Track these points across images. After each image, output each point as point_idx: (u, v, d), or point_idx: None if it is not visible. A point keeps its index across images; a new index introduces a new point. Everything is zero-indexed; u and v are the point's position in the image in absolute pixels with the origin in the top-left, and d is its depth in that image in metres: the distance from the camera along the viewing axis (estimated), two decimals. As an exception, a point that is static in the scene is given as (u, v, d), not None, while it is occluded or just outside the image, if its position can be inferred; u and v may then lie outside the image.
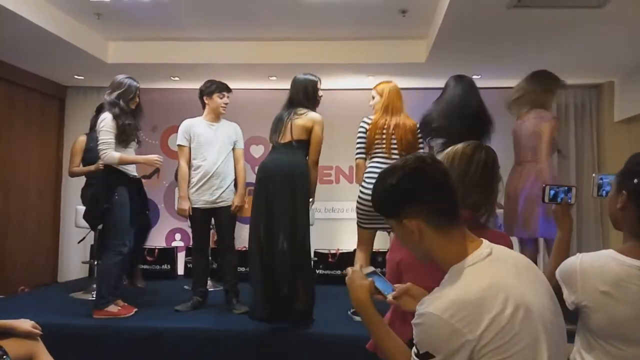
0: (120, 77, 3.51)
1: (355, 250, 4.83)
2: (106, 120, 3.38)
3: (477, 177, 1.59)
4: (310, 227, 3.26)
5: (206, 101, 3.70)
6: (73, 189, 5.41)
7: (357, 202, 3.28)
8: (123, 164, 3.41)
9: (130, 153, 3.48)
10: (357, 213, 3.31)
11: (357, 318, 3.34)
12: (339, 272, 4.78)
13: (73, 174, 4.29)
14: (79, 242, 4.53)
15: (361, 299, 1.40)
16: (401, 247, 1.64)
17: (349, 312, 3.44)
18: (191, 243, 4.14)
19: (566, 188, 1.80)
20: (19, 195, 4.97)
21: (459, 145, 1.70)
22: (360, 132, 3.36)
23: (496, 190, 1.67)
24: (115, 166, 3.40)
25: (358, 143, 3.36)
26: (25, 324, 1.84)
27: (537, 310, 1.14)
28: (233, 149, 3.76)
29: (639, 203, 1.31)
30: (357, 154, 3.37)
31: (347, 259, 4.85)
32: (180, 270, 5.12)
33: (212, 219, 3.75)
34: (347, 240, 4.93)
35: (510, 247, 1.64)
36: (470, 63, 4.45)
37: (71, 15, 4.04)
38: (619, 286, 1.26)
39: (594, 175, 1.82)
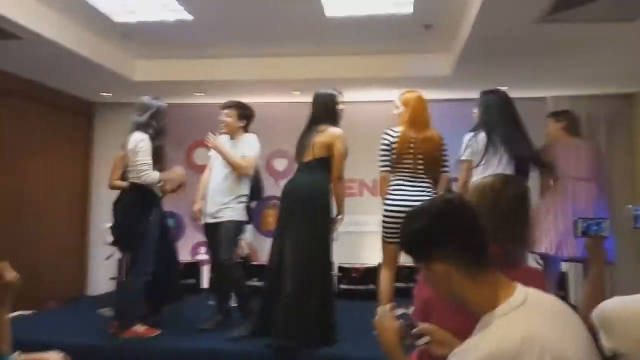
0: (147, 98, 3.55)
1: (379, 265, 4.84)
2: (145, 142, 3.40)
3: (507, 212, 1.55)
4: (334, 242, 3.29)
5: None
6: (102, 204, 5.51)
7: (384, 215, 3.21)
8: (162, 181, 3.46)
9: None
10: (383, 227, 3.24)
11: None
12: (362, 287, 4.74)
13: (113, 187, 4.28)
14: (106, 259, 4.60)
15: (389, 343, 1.37)
16: (427, 287, 1.60)
17: (374, 332, 3.39)
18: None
19: (599, 220, 1.73)
20: (49, 210, 5.07)
21: (489, 178, 1.66)
22: (384, 143, 3.26)
23: (529, 225, 1.61)
24: (149, 187, 3.44)
25: (382, 156, 3.27)
26: (56, 356, 1.86)
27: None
28: None
29: None
30: (382, 166, 3.28)
31: (371, 274, 4.81)
32: (205, 284, 5.15)
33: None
34: (370, 254, 4.88)
35: (544, 285, 1.59)
36: (497, 76, 4.37)
37: (99, 36, 4.12)
38: None
39: (629, 206, 1.75)
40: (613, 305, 1.31)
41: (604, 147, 5.03)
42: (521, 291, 1.19)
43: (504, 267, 1.27)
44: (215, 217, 3.58)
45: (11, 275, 1.71)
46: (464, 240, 1.19)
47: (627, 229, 1.84)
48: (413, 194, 3.20)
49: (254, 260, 5.14)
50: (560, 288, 3.81)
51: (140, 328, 3.38)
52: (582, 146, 3.53)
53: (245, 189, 3.67)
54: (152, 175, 3.38)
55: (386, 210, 3.22)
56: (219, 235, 3.57)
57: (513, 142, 3.15)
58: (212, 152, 3.70)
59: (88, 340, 3.32)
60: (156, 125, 3.45)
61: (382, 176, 3.30)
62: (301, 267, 3.09)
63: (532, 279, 1.56)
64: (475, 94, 4.03)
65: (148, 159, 3.37)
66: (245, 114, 3.76)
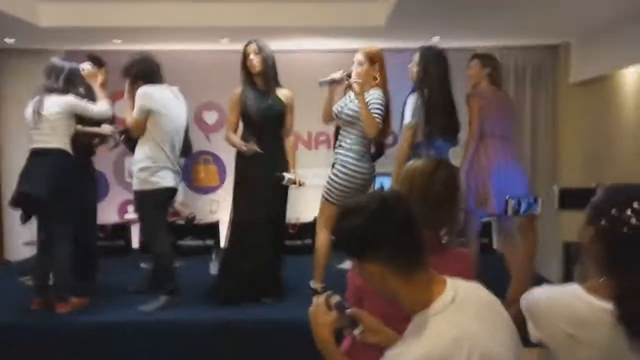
0: (55, 60, 3.40)
1: (315, 219, 4.85)
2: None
3: (439, 196, 1.54)
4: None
5: None
6: (12, 163, 5.06)
7: (349, 176, 3.18)
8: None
9: None
10: (340, 187, 3.18)
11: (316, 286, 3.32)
12: (299, 242, 4.76)
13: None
14: (23, 224, 4.26)
15: (324, 339, 1.33)
16: (358, 276, 1.57)
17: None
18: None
19: (532, 199, 1.75)
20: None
21: (419, 163, 1.64)
22: (380, 108, 3.17)
23: (459, 207, 1.61)
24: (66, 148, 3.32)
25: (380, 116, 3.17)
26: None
27: (499, 358, 1.14)
28: None
29: (605, 245, 1.23)
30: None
31: (307, 229, 4.82)
32: (135, 245, 4.95)
33: None
34: (306, 209, 4.88)
35: (472, 266, 1.62)
36: (430, 26, 4.31)
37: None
38: (585, 329, 1.22)
39: (554, 187, 1.76)
40: (542, 297, 1.31)
41: (529, 100, 5.21)
42: (451, 286, 1.20)
43: (433, 252, 1.27)
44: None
45: None
46: (399, 242, 1.17)
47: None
48: (371, 161, 3.36)
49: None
50: (483, 235, 3.97)
51: (74, 299, 3.23)
52: (505, 101, 3.58)
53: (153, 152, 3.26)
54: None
55: (348, 175, 3.18)
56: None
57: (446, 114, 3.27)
58: None
59: (13, 318, 3.13)
60: (74, 90, 3.21)
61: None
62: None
63: (459, 262, 1.59)
64: (408, 44, 3.98)
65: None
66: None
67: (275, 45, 3.62)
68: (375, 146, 3.83)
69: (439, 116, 3.22)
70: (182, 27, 4.33)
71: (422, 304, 1.17)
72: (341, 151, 3.29)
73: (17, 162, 4.91)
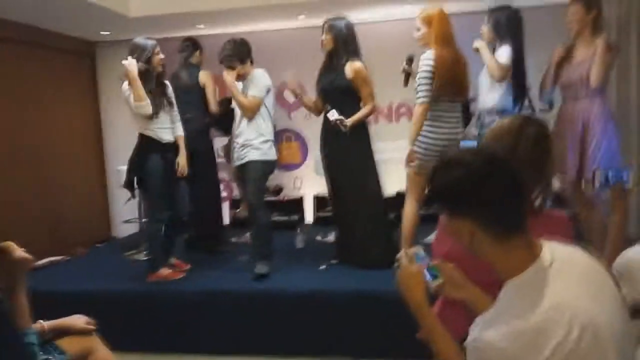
0: (135, 40, 3.41)
1: (397, 194, 4.78)
2: (123, 90, 3.35)
3: (527, 154, 1.43)
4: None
5: None
6: (116, 146, 5.49)
7: (424, 148, 3.10)
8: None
9: (163, 121, 3.40)
10: (421, 160, 3.10)
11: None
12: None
13: None
14: (125, 203, 4.62)
15: (418, 301, 1.32)
16: (447, 238, 1.53)
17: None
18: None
19: (622, 171, 1.59)
20: (63, 156, 5.07)
21: (506, 120, 1.54)
22: (427, 70, 3.01)
23: (550, 167, 1.49)
24: (145, 132, 3.36)
25: (425, 84, 3.02)
26: (79, 321, 1.88)
27: (606, 327, 1.03)
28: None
29: None
30: (425, 96, 3.03)
31: (390, 203, 4.72)
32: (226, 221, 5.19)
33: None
34: (388, 183, 4.79)
35: (569, 229, 1.51)
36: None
37: (86, -28, 3.85)
38: None
39: (594, 169, 1.62)
40: (634, 255, 1.24)
41: (635, 49, 4.66)
42: (548, 250, 1.11)
43: (527, 215, 1.18)
44: (241, 159, 3.51)
45: (18, 253, 1.68)
46: (499, 205, 1.09)
47: None
48: (454, 125, 3.17)
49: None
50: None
51: (164, 271, 3.46)
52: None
53: (266, 127, 3.51)
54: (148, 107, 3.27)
55: (428, 144, 3.09)
56: (246, 178, 3.54)
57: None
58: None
59: (115, 285, 3.43)
60: (141, 66, 3.28)
61: (424, 107, 3.05)
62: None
63: (556, 226, 1.48)
64: (483, 4, 3.73)
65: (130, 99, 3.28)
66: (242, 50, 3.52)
67: (352, 17, 3.58)
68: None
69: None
70: (260, 6, 4.37)
71: (516, 268, 1.10)
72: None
73: (118, 147, 5.38)
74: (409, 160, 3.15)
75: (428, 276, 1.36)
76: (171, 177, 3.43)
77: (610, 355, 1.02)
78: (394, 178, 4.76)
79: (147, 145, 3.37)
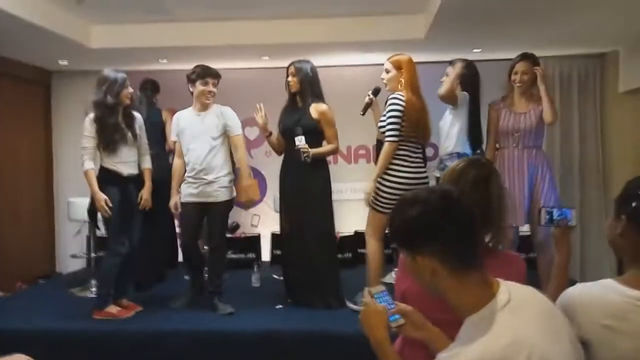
0: (106, 71, 3.36)
1: (355, 233, 4.82)
2: (84, 125, 3.32)
3: (468, 196, 1.48)
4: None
5: (191, 89, 3.49)
6: (66, 178, 5.30)
7: (388, 186, 3.14)
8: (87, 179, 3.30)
9: (125, 155, 3.36)
10: (385, 198, 3.15)
11: (356, 307, 3.31)
12: (339, 255, 4.73)
13: None
14: (75, 235, 4.45)
15: (380, 339, 1.33)
16: (407, 276, 1.56)
17: (348, 304, 3.41)
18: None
19: (565, 210, 1.70)
20: (10, 186, 4.84)
21: (456, 162, 1.62)
22: (398, 110, 3.14)
23: (497, 210, 1.54)
24: (104, 165, 3.34)
25: (396, 123, 3.13)
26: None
27: None
28: (229, 137, 3.53)
29: (639, 228, 1.24)
30: (395, 135, 3.14)
31: (348, 242, 4.81)
32: (181, 258, 5.05)
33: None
34: (346, 222, 4.86)
35: (523, 270, 1.57)
36: (471, 38, 4.27)
37: (50, 2, 3.80)
38: (622, 319, 1.20)
39: (539, 208, 1.77)
40: (574, 293, 1.30)
41: (575, 108, 5.05)
42: (505, 289, 1.16)
43: (482, 253, 1.22)
44: (205, 198, 3.43)
45: None
46: (456, 239, 1.13)
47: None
48: (419, 166, 3.27)
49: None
50: (529, 250, 3.87)
51: (113, 309, 3.31)
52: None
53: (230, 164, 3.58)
54: (84, 165, 3.28)
55: (396, 182, 3.15)
56: (210, 218, 3.50)
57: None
58: (184, 134, 3.49)
59: (58, 324, 3.24)
60: (111, 100, 3.25)
61: (394, 145, 3.15)
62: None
63: (510, 266, 1.54)
64: (448, 57, 3.95)
65: (84, 143, 3.29)
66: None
67: (314, 61, 3.69)
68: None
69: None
70: (225, 45, 4.44)
71: (474, 306, 1.13)
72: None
73: (69, 178, 5.20)
74: (366, 198, 3.21)
75: (390, 316, 1.38)
76: (130, 211, 3.35)
77: None
78: (351, 217, 4.83)
79: (105, 178, 3.32)
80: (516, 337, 1.06)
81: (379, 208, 3.20)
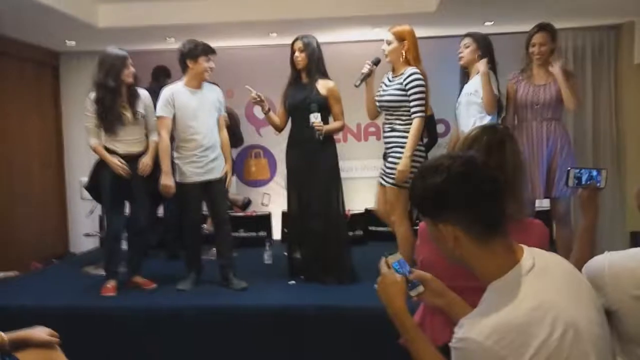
0: (108, 49, 3.36)
1: (365, 210, 4.81)
2: (85, 104, 3.36)
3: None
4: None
5: (190, 65, 3.37)
6: (77, 159, 5.31)
7: (422, 158, 3.17)
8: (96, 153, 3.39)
9: (125, 133, 3.36)
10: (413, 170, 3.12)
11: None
12: (350, 233, 4.73)
13: None
14: (87, 215, 4.48)
15: (397, 310, 1.31)
16: (424, 243, 1.55)
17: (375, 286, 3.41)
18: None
19: (594, 171, 1.66)
20: (22, 168, 4.87)
21: (469, 130, 1.62)
22: (422, 84, 3.10)
23: (510, 172, 1.51)
24: (105, 144, 3.37)
25: (422, 99, 3.09)
26: (41, 332, 1.78)
27: (585, 328, 1.06)
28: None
29: None
30: (422, 111, 3.12)
31: (358, 219, 4.80)
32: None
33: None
34: (356, 200, 4.85)
35: (545, 236, 1.55)
36: (483, 9, 4.18)
37: (55, -21, 3.77)
38: None
39: (568, 168, 1.70)
40: (604, 262, 1.28)
41: (589, 81, 4.96)
42: (529, 255, 1.14)
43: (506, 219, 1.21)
44: (208, 176, 3.42)
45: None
46: (479, 207, 1.11)
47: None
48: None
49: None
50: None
51: (108, 285, 3.37)
52: None
53: None
54: (90, 142, 3.38)
55: (421, 157, 3.17)
56: (216, 193, 3.48)
57: None
58: (186, 111, 3.39)
59: (73, 301, 3.28)
60: (112, 83, 3.25)
61: (423, 121, 3.14)
62: None
63: (533, 233, 1.52)
64: (460, 31, 3.87)
65: (87, 124, 3.38)
66: None
67: (323, 37, 3.64)
68: (427, 133, 3.82)
69: None
70: (232, 22, 4.39)
71: (498, 272, 1.12)
72: (395, 134, 3.19)
73: (79, 158, 5.22)
74: (402, 178, 3.06)
75: (409, 284, 1.37)
76: (127, 190, 3.37)
77: (590, 356, 1.05)
78: (362, 195, 4.82)
79: (100, 160, 3.37)
80: (541, 301, 1.05)
81: (408, 185, 3.16)
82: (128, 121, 3.35)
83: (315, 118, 3.31)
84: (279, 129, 3.68)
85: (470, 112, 3.32)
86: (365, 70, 3.25)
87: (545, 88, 3.30)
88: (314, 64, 3.42)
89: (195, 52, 3.35)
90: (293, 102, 3.48)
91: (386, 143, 3.30)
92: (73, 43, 4.99)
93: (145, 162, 3.40)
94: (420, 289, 1.37)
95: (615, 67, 4.94)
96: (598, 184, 1.65)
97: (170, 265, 4.12)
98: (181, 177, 3.41)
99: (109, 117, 3.28)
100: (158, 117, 3.40)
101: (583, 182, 1.66)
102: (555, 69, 3.23)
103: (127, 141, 3.38)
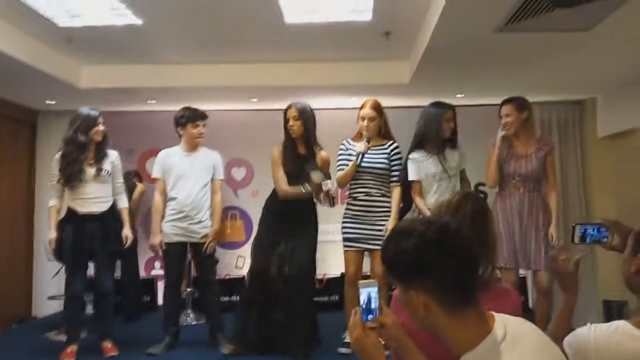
0: (79, 110, 3.46)
1: (341, 275, 4.75)
2: (52, 163, 3.43)
3: (466, 230, 1.48)
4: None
5: (180, 132, 3.57)
6: (46, 220, 5.16)
7: None
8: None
9: (86, 192, 3.34)
10: None
11: (345, 350, 3.22)
12: (326, 298, 4.65)
13: None
14: (52, 277, 4.31)
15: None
16: (402, 310, 1.52)
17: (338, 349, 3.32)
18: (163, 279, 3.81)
19: (598, 225, 1.57)
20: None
21: (448, 196, 1.61)
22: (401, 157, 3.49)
23: (492, 242, 1.55)
24: (67, 203, 3.40)
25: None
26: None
27: None
28: (212, 180, 3.58)
29: None
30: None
31: (334, 284, 4.73)
32: (161, 301, 4.91)
33: (189, 254, 3.62)
34: (334, 264, 4.80)
35: (518, 303, 1.54)
36: (454, 84, 4.40)
37: (41, 41, 3.84)
38: None
39: (573, 224, 1.64)
40: (589, 337, 1.25)
41: (557, 153, 5.14)
42: (500, 324, 1.12)
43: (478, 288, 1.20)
44: (192, 237, 3.45)
45: None
46: (453, 276, 1.08)
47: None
48: None
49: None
50: (520, 294, 3.83)
51: (69, 350, 3.26)
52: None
53: None
54: (49, 201, 3.44)
55: None
56: (201, 256, 3.49)
57: None
58: (174, 172, 3.49)
59: None
60: (82, 138, 3.32)
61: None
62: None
63: (506, 299, 1.52)
64: (430, 101, 4.04)
65: (52, 181, 3.43)
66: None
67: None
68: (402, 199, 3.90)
69: None
70: (213, 87, 4.50)
71: (470, 342, 1.09)
72: (385, 199, 3.42)
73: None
74: None
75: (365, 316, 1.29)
76: (87, 252, 3.32)
77: None
78: (338, 259, 4.75)
79: (66, 216, 3.36)
80: None
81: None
82: (90, 177, 3.34)
83: (332, 185, 3.29)
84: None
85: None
86: (363, 149, 3.32)
87: (526, 159, 3.31)
88: (310, 132, 3.42)
89: (182, 120, 3.53)
90: (292, 172, 3.39)
91: (373, 207, 3.37)
92: (53, 102, 5.02)
93: (126, 234, 3.42)
94: (375, 323, 1.29)
95: (581, 140, 5.17)
96: (605, 240, 1.59)
97: (131, 328, 3.95)
98: (164, 236, 3.43)
99: (69, 170, 3.29)
100: (153, 178, 3.63)
101: (588, 239, 1.57)
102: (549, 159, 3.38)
103: (89, 200, 3.34)
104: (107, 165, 3.41)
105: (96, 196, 3.35)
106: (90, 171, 3.33)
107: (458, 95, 4.76)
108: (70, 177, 3.28)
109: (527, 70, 4.00)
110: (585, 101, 5.13)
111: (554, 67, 3.96)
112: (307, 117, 3.39)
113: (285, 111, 3.45)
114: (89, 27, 3.53)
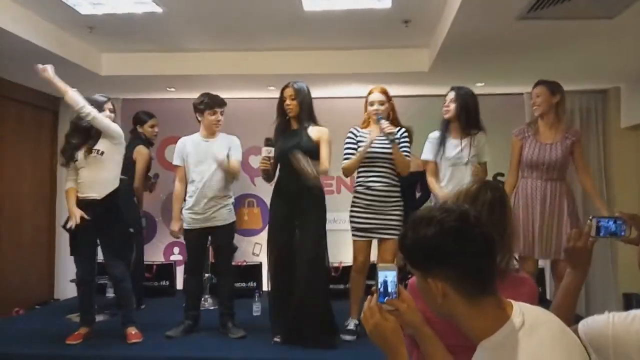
0: (89, 97, 3.48)
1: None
2: None
3: (485, 219, 1.47)
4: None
5: (199, 118, 3.58)
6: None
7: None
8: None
9: (82, 176, 3.36)
10: None
11: (349, 337, 3.25)
12: (342, 286, 4.68)
13: None
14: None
15: (399, 343, 1.21)
16: (418, 298, 1.53)
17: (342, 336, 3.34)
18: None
19: (616, 219, 1.52)
20: (12, 211, 4.83)
21: (465, 185, 1.61)
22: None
23: (509, 231, 1.54)
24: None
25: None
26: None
27: None
28: (228, 159, 3.51)
29: None
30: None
31: (349, 272, 4.74)
32: (180, 286, 5.00)
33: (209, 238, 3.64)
34: (347, 252, 4.81)
35: (534, 292, 1.54)
36: (474, 72, 4.34)
37: (63, 29, 3.90)
38: None
39: (590, 218, 1.55)
40: (607, 325, 1.23)
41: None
42: (518, 312, 1.12)
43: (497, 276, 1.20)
44: (209, 222, 3.45)
45: None
46: (471, 264, 1.08)
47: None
48: None
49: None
50: (538, 284, 3.81)
51: (80, 331, 3.36)
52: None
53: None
54: (65, 185, 3.44)
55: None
56: (216, 241, 3.54)
57: None
58: (190, 159, 3.52)
59: (50, 349, 3.22)
60: (83, 121, 3.34)
61: None
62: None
63: (522, 288, 1.52)
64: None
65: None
66: None
67: (318, 92, 3.74)
68: (420, 188, 3.92)
69: None
70: (231, 75, 4.53)
71: (488, 330, 1.09)
72: (394, 188, 3.42)
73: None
74: None
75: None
76: (90, 237, 3.34)
77: None
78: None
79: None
80: None
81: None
82: (82, 160, 3.31)
83: (387, 126, 3.30)
84: (269, 179, 3.52)
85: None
86: (393, 129, 3.32)
87: (552, 147, 3.24)
88: (305, 112, 3.38)
89: (200, 106, 3.55)
90: (283, 149, 3.34)
91: (387, 197, 3.36)
92: (74, 89, 5.07)
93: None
94: (391, 307, 1.25)
95: (604, 130, 5.07)
96: (622, 234, 1.54)
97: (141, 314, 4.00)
98: (183, 222, 3.50)
99: (65, 150, 3.38)
100: (175, 165, 3.64)
101: (605, 233, 1.52)
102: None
103: (83, 184, 3.33)
104: (99, 145, 3.31)
105: (92, 180, 3.28)
106: (82, 154, 3.31)
107: (478, 84, 4.70)
108: (67, 160, 3.35)
109: (549, 58, 3.93)
110: (608, 90, 5.03)
111: (577, 56, 3.89)
112: (303, 96, 3.37)
113: (282, 90, 3.45)
114: (110, 14, 3.57)
